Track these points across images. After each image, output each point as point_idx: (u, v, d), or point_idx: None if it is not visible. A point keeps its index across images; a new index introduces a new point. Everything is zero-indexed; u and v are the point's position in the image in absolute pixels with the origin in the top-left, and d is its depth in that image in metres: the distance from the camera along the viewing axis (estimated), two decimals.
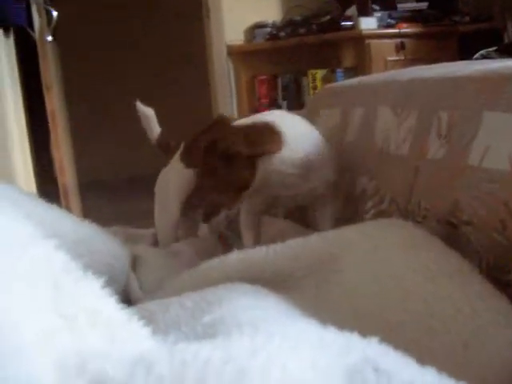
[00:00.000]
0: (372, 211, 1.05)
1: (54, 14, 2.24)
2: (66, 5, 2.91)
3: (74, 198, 2.73)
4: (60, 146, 2.32)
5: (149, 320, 0.58)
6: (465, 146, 0.85)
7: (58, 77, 2.45)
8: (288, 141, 0.93)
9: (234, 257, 0.78)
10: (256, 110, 3.31)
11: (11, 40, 2.11)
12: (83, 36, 4.49)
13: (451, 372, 0.44)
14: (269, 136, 0.93)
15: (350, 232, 0.78)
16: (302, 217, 1.39)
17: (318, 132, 1.06)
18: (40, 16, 2.16)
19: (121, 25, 4.62)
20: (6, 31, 2.09)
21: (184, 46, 4.60)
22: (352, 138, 1.22)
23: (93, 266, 0.82)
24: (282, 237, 1.04)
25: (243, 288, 0.66)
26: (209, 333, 0.47)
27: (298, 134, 0.98)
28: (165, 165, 1.30)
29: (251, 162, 0.90)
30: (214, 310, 0.55)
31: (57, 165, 2.33)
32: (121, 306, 0.45)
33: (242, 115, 3.35)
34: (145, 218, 1.44)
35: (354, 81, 1.42)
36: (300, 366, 0.35)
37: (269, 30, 3.22)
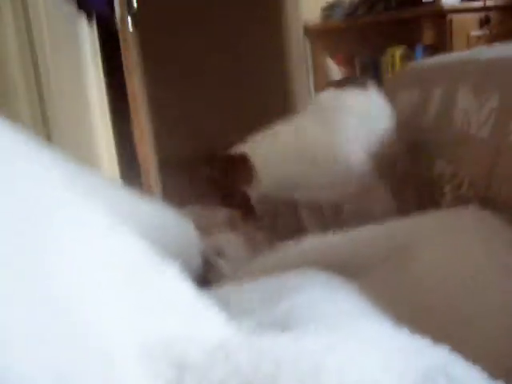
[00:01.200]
0: (450, 196, 1.02)
1: (134, 2, 2.32)
2: None
3: (154, 176, 2.82)
4: (141, 130, 2.40)
5: (223, 305, 0.60)
6: None
7: (138, 61, 2.52)
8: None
9: (311, 242, 0.78)
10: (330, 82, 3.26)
11: (94, 27, 2.19)
12: (161, 24, 4.59)
13: None
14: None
15: (427, 220, 0.76)
16: None
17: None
18: (121, 4, 2.23)
19: (196, 11, 4.68)
20: (90, 18, 2.16)
21: (260, 26, 4.59)
22: (431, 119, 1.19)
23: (166, 250, 0.85)
24: None
25: (318, 277, 0.66)
26: (284, 321, 0.48)
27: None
28: None
29: None
30: (291, 297, 0.56)
31: (137, 144, 2.41)
32: (197, 291, 0.47)
33: (317, 88, 3.30)
34: None
35: (434, 60, 1.38)
36: (375, 369, 0.35)
37: (346, 7, 3.17)
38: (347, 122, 1.14)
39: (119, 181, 2.35)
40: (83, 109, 2.01)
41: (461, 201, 0.99)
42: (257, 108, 4.35)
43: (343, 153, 1.06)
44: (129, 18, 2.40)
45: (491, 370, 0.53)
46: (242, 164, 1.10)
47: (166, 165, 3.85)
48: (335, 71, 1.31)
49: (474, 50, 1.28)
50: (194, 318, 0.41)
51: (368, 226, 0.79)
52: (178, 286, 0.44)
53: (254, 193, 1.10)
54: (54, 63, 1.55)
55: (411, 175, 1.19)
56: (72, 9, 1.92)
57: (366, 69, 3.20)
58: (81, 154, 1.87)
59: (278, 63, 3.68)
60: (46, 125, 1.47)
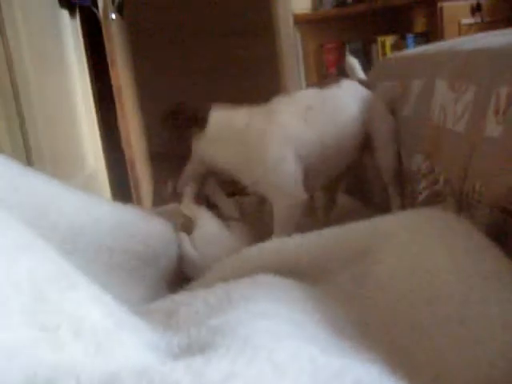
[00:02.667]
0: (426, 192, 1.00)
1: None
2: None
3: (143, 171, 2.79)
4: (126, 120, 2.36)
5: (170, 314, 0.58)
6: None
7: (126, 53, 2.48)
8: None
9: (271, 245, 0.76)
10: (324, 79, 3.23)
11: (77, 19, 2.15)
12: (149, 13, 4.53)
13: None
14: None
15: (387, 223, 0.73)
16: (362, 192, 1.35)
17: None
18: None
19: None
20: (72, 11, 2.12)
21: (250, 16, 4.54)
22: (409, 112, 1.16)
23: (132, 248, 0.83)
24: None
25: (272, 285, 0.64)
26: (207, 340, 0.46)
27: None
28: None
29: None
30: (227, 312, 0.53)
31: (123, 138, 2.38)
32: (118, 309, 0.44)
33: (309, 85, 3.28)
34: None
35: (415, 51, 1.35)
36: None
37: None
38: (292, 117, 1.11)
39: (105, 176, 2.32)
40: (67, 103, 1.97)
41: (436, 197, 0.96)
42: (248, 97, 4.31)
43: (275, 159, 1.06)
44: (112, 7, 2.37)
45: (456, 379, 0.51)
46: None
47: (159, 158, 3.82)
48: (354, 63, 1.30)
49: (455, 41, 1.24)
50: (100, 342, 0.38)
51: (330, 228, 0.76)
52: (85, 309, 0.41)
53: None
54: (31, 56, 1.52)
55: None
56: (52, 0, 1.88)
57: (356, 57, 3.16)
58: (66, 150, 1.85)
59: (269, 52, 3.64)
60: (22, 126, 1.43)
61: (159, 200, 1.36)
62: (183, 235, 1.01)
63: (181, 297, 0.65)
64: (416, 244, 0.67)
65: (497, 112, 0.84)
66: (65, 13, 2.07)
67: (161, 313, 0.58)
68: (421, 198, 1.00)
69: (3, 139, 1.33)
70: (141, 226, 0.90)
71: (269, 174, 1.04)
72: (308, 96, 1.17)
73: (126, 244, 0.80)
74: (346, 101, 1.17)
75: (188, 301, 0.60)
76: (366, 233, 0.72)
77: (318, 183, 1.16)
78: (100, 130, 2.34)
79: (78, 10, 2.18)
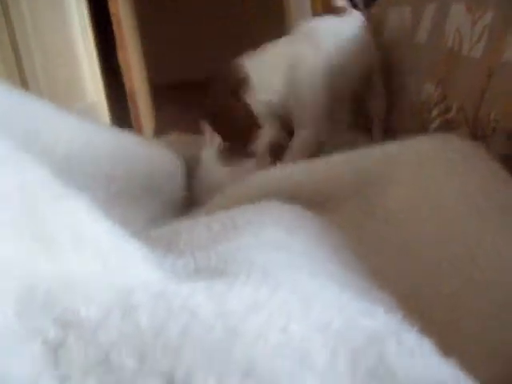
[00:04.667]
0: (438, 121, 0.95)
1: None
2: None
3: (143, 103, 2.73)
4: (125, 49, 2.29)
5: (171, 240, 0.55)
6: None
7: None
8: None
9: (274, 173, 0.72)
10: (330, 7, 3.11)
11: None
12: None
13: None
14: None
15: (398, 149, 0.69)
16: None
17: None
18: None
19: None
20: None
21: None
22: (421, 39, 1.10)
23: (133, 177, 0.79)
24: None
25: (278, 211, 0.61)
26: (218, 267, 0.43)
27: None
28: None
29: None
30: (234, 238, 0.50)
31: (123, 68, 2.31)
32: (118, 229, 0.41)
33: (315, 13, 3.17)
34: None
35: None
36: (307, 327, 0.29)
37: None
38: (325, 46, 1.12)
39: (105, 109, 2.27)
40: (64, 33, 1.91)
41: (449, 125, 0.92)
42: (253, 31, 4.20)
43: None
44: None
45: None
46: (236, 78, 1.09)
47: (160, 91, 3.75)
48: None
49: None
50: (103, 257, 0.35)
51: (336, 155, 0.72)
52: (83, 220, 0.38)
53: (250, 100, 1.08)
54: None
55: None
56: None
57: None
58: (63, 81, 1.79)
59: None
60: (17, 57, 1.38)
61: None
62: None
63: (182, 224, 0.62)
64: (427, 173, 0.63)
65: None
66: None
67: (161, 239, 0.55)
68: (433, 126, 0.96)
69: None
70: (142, 153, 0.86)
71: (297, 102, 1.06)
72: (332, 24, 1.21)
73: (126, 172, 0.77)
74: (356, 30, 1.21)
75: (189, 227, 0.57)
76: (374, 159, 0.69)
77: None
78: (99, 62, 2.28)
79: None
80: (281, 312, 0.30)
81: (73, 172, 0.68)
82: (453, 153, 0.67)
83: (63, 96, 1.78)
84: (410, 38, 1.15)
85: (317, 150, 1.06)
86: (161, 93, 3.67)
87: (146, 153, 0.86)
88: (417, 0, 1.18)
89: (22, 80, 1.40)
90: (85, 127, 0.75)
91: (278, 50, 1.12)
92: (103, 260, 0.35)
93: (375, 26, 1.36)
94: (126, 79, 2.33)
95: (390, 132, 1.23)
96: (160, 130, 2.99)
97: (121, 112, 2.34)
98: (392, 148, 0.70)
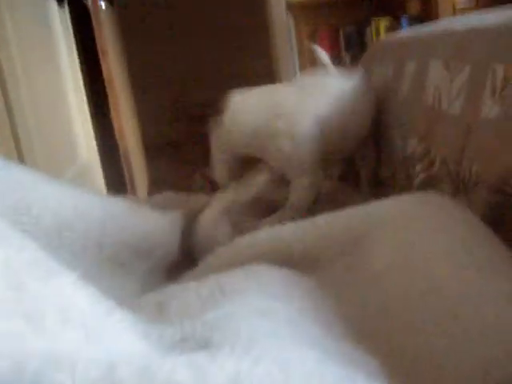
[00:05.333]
0: (422, 175, 0.97)
1: None
2: None
3: (138, 162, 2.76)
4: (118, 110, 2.34)
5: (161, 307, 0.56)
6: None
7: (117, 42, 2.45)
8: None
9: (264, 234, 0.74)
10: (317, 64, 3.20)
11: (66, 10, 2.12)
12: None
13: None
14: None
15: (381, 209, 0.71)
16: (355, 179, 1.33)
17: None
18: None
19: None
20: (60, 2, 2.09)
21: (242, 2, 4.50)
22: (403, 95, 1.14)
23: (123, 241, 0.80)
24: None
25: (266, 276, 0.62)
26: (204, 336, 0.43)
27: None
28: None
29: None
30: (222, 306, 0.51)
31: (117, 129, 2.35)
32: (105, 300, 0.42)
33: (303, 71, 3.25)
34: None
35: (408, 32, 1.32)
36: None
37: None
38: (320, 98, 1.12)
39: (98, 168, 2.29)
40: (57, 95, 1.94)
41: (432, 180, 0.94)
42: (242, 82, 4.28)
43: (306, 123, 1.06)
44: None
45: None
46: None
47: (153, 149, 3.79)
48: (323, 56, 1.28)
49: (449, 20, 1.22)
50: (84, 334, 0.36)
51: (324, 216, 0.74)
52: (70, 296, 0.39)
53: (220, 147, 1.11)
54: (18, 47, 1.49)
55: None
56: None
57: (350, 41, 3.13)
58: (57, 142, 1.82)
59: (262, 38, 3.61)
60: (11, 118, 1.41)
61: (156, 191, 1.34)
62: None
63: (171, 289, 0.63)
64: (411, 232, 0.64)
65: (494, 92, 0.82)
66: (53, 2, 2.04)
67: (151, 307, 0.56)
68: (417, 181, 0.98)
69: None
70: (132, 217, 0.87)
71: (298, 150, 1.05)
72: (329, 80, 1.21)
73: (116, 237, 0.78)
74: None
75: (179, 293, 0.58)
76: (359, 219, 0.70)
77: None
78: (92, 122, 2.32)
79: (66, 0, 2.14)
80: (262, 382, 0.31)
81: (63, 241, 0.69)
82: (435, 211, 0.68)
83: (57, 157, 1.81)
84: (394, 94, 1.19)
85: (315, 199, 1.07)
86: (153, 149, 3.71)
87: (138, 218, 0.87)
88: (398, 57, 1.22)
89: (17, 145, 1.42)
90: (74, 195, 0.77)
91: (267, 96, 1.13)
92: (89, 335, 0.36)
93: None
94: (119, 139, 2.37)
95: (378, 184, 1.25)
96: (153, 187, 3.02)
97: (114, 171, 2.37)
98: (376, 208, 0.72)
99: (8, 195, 0.62)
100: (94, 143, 2.29)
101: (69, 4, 2.17)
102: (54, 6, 2.05)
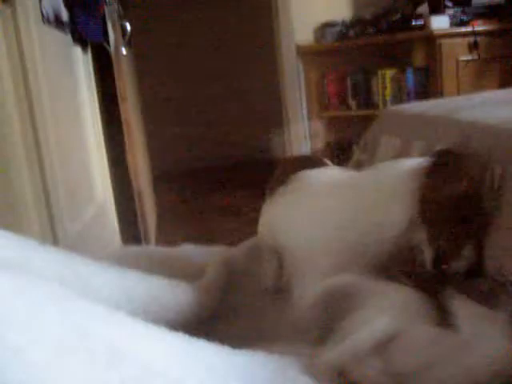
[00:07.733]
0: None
1: (128, 27, 2.35)
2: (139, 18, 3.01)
3: (148, 199, 2.85)
4: (134, 152, 2.43)
5: None
6: None
7: (133, 87, 2.56)
8: None
9: None
10: (325, 109, 3.33)
11: (89, 55, 2.22)
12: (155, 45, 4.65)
13: None
14: None
15: None
16: None
17: None
18: (115, 31, 2.26)
19: (190, 28, 4.73)
20: (84, 47, 2.20)
21: (253, 46, 4.64)
22: None
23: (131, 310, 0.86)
24: None
25: None
26: None
27: None
28: None
29: None
30: None
31: (131, 170, 2.44)
32: None
33: (311, 115, 3.37)
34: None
35: (415, 108, 1.42)
36: None
37: (338, 29, 3.21)
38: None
39: (112, 207, 2.38)
40: (78, 135, 2.04)
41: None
42: (251, 127, 4.41)
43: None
44: (123, 41, 2.44)
45: None
46: None
47: (162, 181, 3.90)
48: None
49: (453, 102, 1.32)
50: None
51: None
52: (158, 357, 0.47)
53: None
54: (47, 91, 1.59)
55: None
56: (66, 37, 1.95)
57: (357, 89, 3.25)
58: (77, 184, 1.91)
59: (272, 83, 3.73)
60: (39, 151, 1.50)
61: None
62: None
63: None
64: None
65: (491, 188, 0.92)
66: (77, 49, 2.15)
67: None
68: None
69: (23, 176, 1.40)
70: (140, 289, 0.90)
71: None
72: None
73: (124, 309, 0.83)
74: None
75: None
76: None
77: None
78: (108, 163, 2.41)
79: (89, 46, 2.25)
80: None
81: None
82: None
83: (77, 197, 1.90)
84: None
85: None
86: (160, 182, 3.82)
87: (145, 288, 0.89)
88: (405, 133, 1.32)
89: (44, 186, 1.51)
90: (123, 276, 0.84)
91: None
92: None
93: (370, 148, 1.50)
94: (133, 178, 2.46)
95: None
96: (161, 224, 3.11)
97: (127, 210, 2.46)
98: None
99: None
100: (109, 183, 2.38)
101: (91, 49, 2.28)
102: (78, 52, 2.16)
